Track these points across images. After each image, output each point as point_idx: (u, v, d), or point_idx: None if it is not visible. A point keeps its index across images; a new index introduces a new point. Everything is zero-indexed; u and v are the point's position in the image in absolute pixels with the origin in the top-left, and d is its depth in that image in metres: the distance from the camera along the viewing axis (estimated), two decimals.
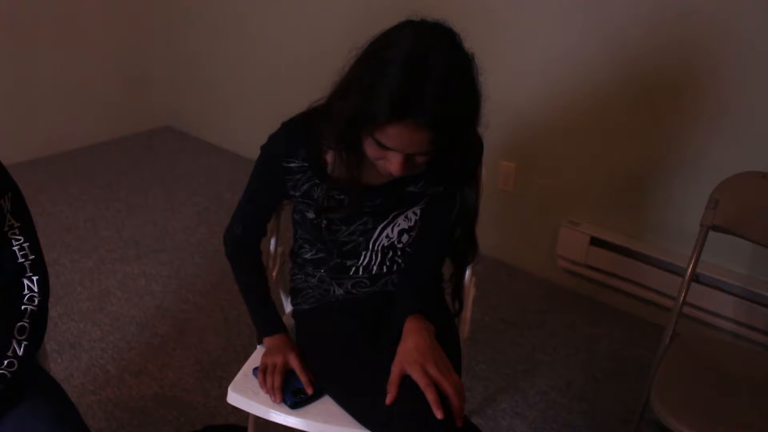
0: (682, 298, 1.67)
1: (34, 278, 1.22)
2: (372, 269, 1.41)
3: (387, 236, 1.39)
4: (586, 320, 2.47)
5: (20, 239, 1.21)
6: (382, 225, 1.38)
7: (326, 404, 1.32)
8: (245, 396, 1.34)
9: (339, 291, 1.43)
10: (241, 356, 2.13)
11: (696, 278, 2.14)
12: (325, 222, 1.36)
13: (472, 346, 2.27)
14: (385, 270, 1.41)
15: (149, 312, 2.40)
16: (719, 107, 2.15)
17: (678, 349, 1.62)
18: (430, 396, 1.15)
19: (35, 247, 1.23)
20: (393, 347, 1.25)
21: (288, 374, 1.35)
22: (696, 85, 2.19)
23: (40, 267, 1.23)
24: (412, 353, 1.20)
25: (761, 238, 1.64)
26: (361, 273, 1.41)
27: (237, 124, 3.68)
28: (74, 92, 3.60)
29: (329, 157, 1.32)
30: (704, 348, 1.69)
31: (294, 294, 1.52)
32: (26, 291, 1.21)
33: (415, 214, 1.39)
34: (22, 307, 1.20)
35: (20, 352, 1.17)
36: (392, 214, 1.38)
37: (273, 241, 1.56)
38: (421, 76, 1.09)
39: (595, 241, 2.47)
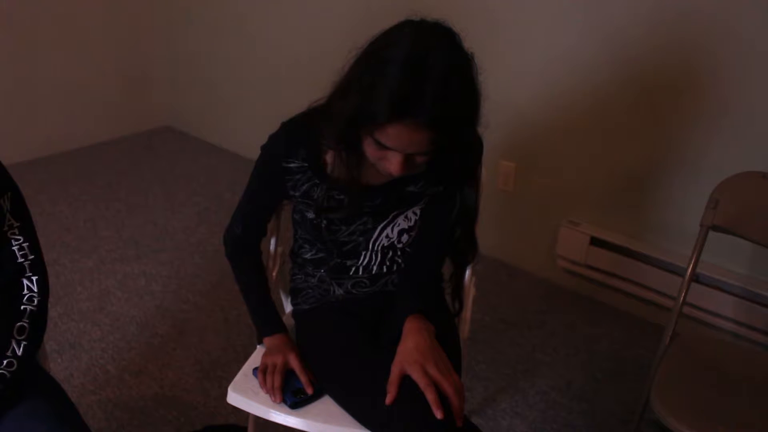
0: (682, 298, 1.67)
1: (34, 278, 1.22)
2: (372, 269, 1.41)
3: (387, 236, 1.39)
4: (586, 320, 2.47)
5: (20, 239, 1.21)
6: (381, 225, 1.38)
7: (326, 404, 1.32)
8: (245, 396, 1.34)
9: (339, 291, 1.43)
10: (241, 356, 2.13)
11: (696, 278, 2.14)
12: (324, 222, 1.36)
13: (472, 346, 2.27)
14: (385, 270, 1.41)
15: (149, 312, 2.40)
16: (719, 107, 2.15)
17: (678, 349, 1.62)
18: (430, 396, 1.15)
19: (35, 247, 1.23)
20: (393, 347, 1.25)
21: (288, 374, 1.35)
22: (696, 85, 2.19)
23: (39, 267, 1.23)
24: (412, 353, 1.20)
25: (761, 238, 1.64)
26: (361, 273, 1.41)
27: (237, 124, 3.68)
28: (74, 92, 3.60)
29: (329, 157, 1.32)
30: (704, 348, 1.69)
31: (294, 294, 1.52)
32: (26, 291, 1.21)
33: (415, 214, 1.39)
34: (22, 307, 1.20)
35: (20, 352, 1.17)
36: (392, 214, 1.38)
37: (273, 241, 1.56)
38: (421, 76, 1.09)
39: (595, 241, 2.47)
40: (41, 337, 1.24)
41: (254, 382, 1.37)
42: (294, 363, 1.35)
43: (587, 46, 2.36)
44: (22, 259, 1.21)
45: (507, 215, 2.73)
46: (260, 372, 1.36)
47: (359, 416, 1.26)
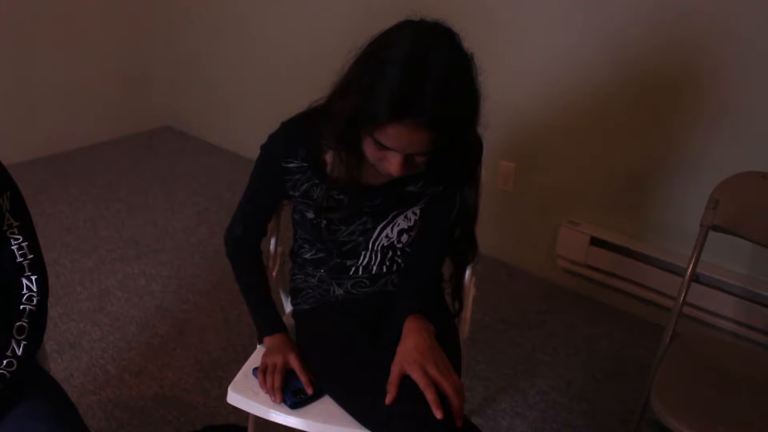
0: (682, 298, 1.67)
1: (33, 278, 1.22)
2: (372, 269, 1.41)
3: (387, 236, 1.39)
4: (586, 320, 2.47)
5: (19, 238, 1.21)
6: (381, 225, 1.38)
7: (326, 404, 1.32)
8: (245, 396, 1.34)
9: (339, 291, 1.43)
10: (241, 356, 2.13)
11: (696, 278, 2.14)
12: (324, 222, 1.36)
13: (472, 346, 2.27)
14: (384, 270, 1.41)
15: (149, 312, 2.40)
16: (719, 107, 2.15)
17: (678, 349, 1.62)
18: (430, 396, 1.15)
19: (34, 247, 1.23)
20: (393, 347, 1.25)
21: (288, 374, 1.35)
22: (696, 85, 2.19)
23: (38, 266, 1.23)
24: (411, 353, 1.20)
25: (761, 238, 1.64)
26: (360, 273, 1.41)
27: (237, 124, 3.68)
28: (74, 92, 3.60)
29: (329, 157, 1.32)
30: (704, 348, 1.69)
31: (294, 294, 1.52)
32: (25, 291, 1.21)
33: (415, 214, 1.39)
34: (21, 306, 1.20)
35: (19, 352, 1.17)
36: (392, 214, 1.38)
37: (273, 241, 1.56)
38: (421, 76, 1.09)
39: (595, 241, 2.47)
40: (41, 336, 1.24)
41: (254, 382, 1.37)
42: (294, 363, 1.35)
43: (587, 46, 2.36)
44: (22, 259, 1.21)
45: (507, 215, 2.73)
46: (260, 372, 1.36)
47: (359, 416, 1.26)
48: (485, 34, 2.36)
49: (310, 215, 1.37)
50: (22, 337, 1.18)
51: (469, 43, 1.17)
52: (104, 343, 2.23)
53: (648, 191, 2.37)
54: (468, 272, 1.53)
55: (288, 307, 1.61)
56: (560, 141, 2.53)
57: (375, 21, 1.22)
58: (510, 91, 2.49)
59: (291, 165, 1.32)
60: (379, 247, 1.39)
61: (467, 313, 1.54)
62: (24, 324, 1.19)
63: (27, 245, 1.22)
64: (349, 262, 1.41)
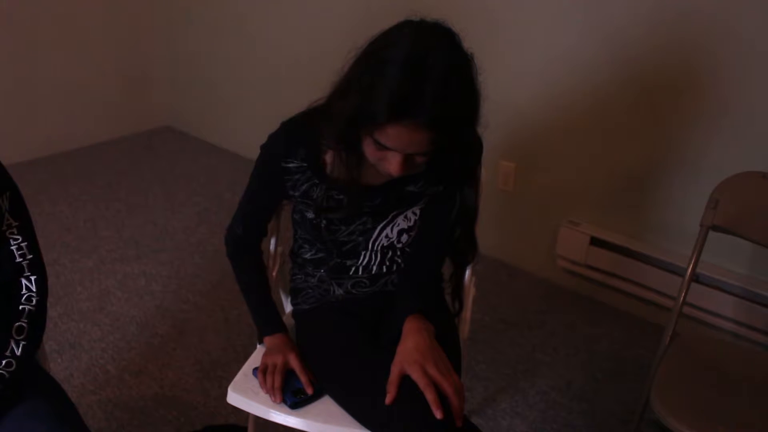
0: (682, 298, 1.67)
1: (32, 278, 1.22)
2: (372, 269, 1.41)
3: (386, 236, 1.39)
4: (586, 320, 2.47)
5: (18, 239, 1.21)
6: (381, 225, 1.38)
7: (326, 404, 1.32)
8: (245, 396, 1.34)
9: (339, 291, 1.43)
10: (241, 356, 2.13)
11: (696, 278, 2.14)
12: (324, 222, 1.36)
13: (472, 346, 2.27)
14: (384, 270, 1.41)
15: (149, 312, 2.40)
16: (719, 107, 2.15)
17: (678, 349, 1.62)
18: (430, 396, 1.15)
19: (33, 247, 1.23)
20: (393, 347, 1.25)
21: (288, 374, 1.34)
22: (696, 85, 2.19)
23: (38, 266, 1.23)
24: (411, 353, 1.20)
25: (761, 238, 1.63)
26: (360, 273, 1.41)
27: (237, 124, 3.68)
28: (74, 92, 3.60)
29: (328, 157, 1.32)
30: (704, 348, 1.69)
31: (294, 294, 1.52)
32: (24, 291, 1.21)
33: (415, 214, 1.39)
34: (20, 307, 1.20)
35: (18, 352, 1.17)
36: (392, 214, 1.38)
37: (273, 241, 1.56)
38: (421, 76, 1.09)
39: (595, 241, 2.47)
40: (40, 337, 1.24)
41: (254, 382, 1.37)
42: (294, 363, 1.35)
43: (587, 46, 2.36)
44: (21, 259, 1.21)
45: (507, 215, 2.73)
46: (260, 372, 1.36)
47: (359, 416, 1.26)
48: (485, 34, 2.36)
49: (310, 215, 1.37)
50: (22, 337, 1.18)
51: (469, 43, 1.17)
52: (104, 343, 2.23)
53: (648, 191, 2.37)
54: (468, 272, 1.53)
55: (288, 307, 1.61)
56: (560, 141, 2.53)
57: (375, 21, 1.22)
58: (510, 91, 2.48)
59: (291, 165, 1.32)
60: (379, 247, 1.39)
61: (467, 313, 1.54)
62: (23, 324, 1.19)
63: (26, 245, 1.21)
64: (349, 262, 1.41)
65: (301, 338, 1.45)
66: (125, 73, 3.81)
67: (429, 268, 1.43)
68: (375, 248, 1.39)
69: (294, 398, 1.30)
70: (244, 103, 3.59)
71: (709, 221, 1.65)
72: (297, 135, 1.33)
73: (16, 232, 1.21)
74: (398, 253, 1.41)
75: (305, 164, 1.32)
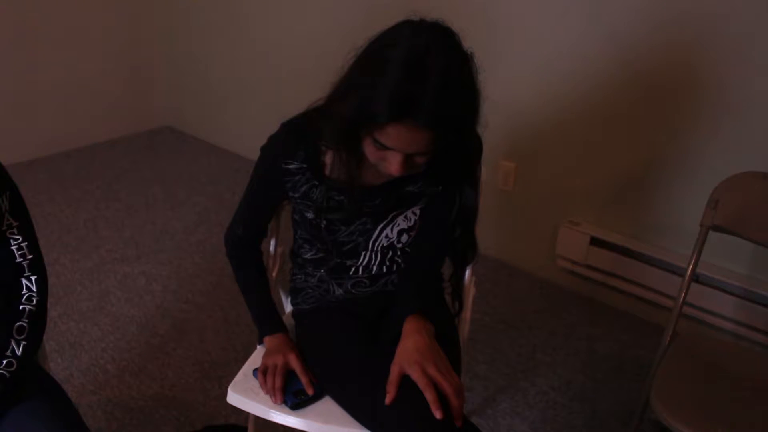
0: (682, 298, 1.67)
1: (33, 278, 1.22)
2: (372, 269, 1.41)
3: (386, 236, 1.39)
4: (586, 320, 2.47)
5: (18, 239, 1.21)
6: (381, 225, 1.38)
7: (326, 404, 1.32)
8: (245, 396, 1.34)
9: (339, 291, 1.43)
10: (241, 356, 2.13)
11: (696, 278, 2.14)
12: (324, 222, 1.36)
13: (472, 346, 2.27)
14: (384, 270, 1.41)
15: (149, 312, 2.40)
16: (719, 107, 2.15)
17: (678, 349, 1.62)
18: (429, 396, 1.15)
19: (34, 247, 1.23)
20: (393, 347, 1.25)
21: (288, 375, 1.34)
22: (696, 85, 2.19)
23: (38, 266, 1.23)
24: (411, 353, 1.20)
25: (761, 238, 1.64)
26: (360, 273, 1.41)
27: (237, 124, 3.68)
28: (74, 92, 3.60)
29: (328, 158, 1.32)
30: (704, 348, 1.69)
31: (294, 294, 1.52)
32: (25, 291, 1.21)
33: (415, 214, 1.39)
34: (21, 306, 1.20)
35: (19, 352, 1.17)
36: (391, 215, 1.38)
37: (273, 242, 1.56)
38: (421, 75, 1.09)
39: (595, 241, 2.47)
40: (41, 337, 1.24)
41: (254, 382, 1.36)
42: (295, 364, 1.34)
43: (587, 45, 2.36)
44: (21, 259, 1.21)
45: (507, 215, 2.73)
46: (260, 373, 1.36)
47: (359, 416, 1.26)
48: (485, 34, 2.36)
49: (310, 215, 1.37)
50: (22, 337, 1.18)
51: (469, 43, 1.17)
52: (104, 343, 2.23)
53: (648, 191, 2.37)
54: (468, 272, 1.53)
55: (288, 307, 1.61)
56: (560, 141, 2.53)
57: (375, 21, 1.22)
58: (510, 91, 2.48)
59: (291, 166, 1.32)
60: (379, 247, 1.39)
61: (467, 313, 1.54)
62: (24, 324, 1.19)
63: (27, 245, 1.22)
64: (349, 262, 1.41)
65: (300, 338, 1.45)
66: (125, 73, 3.81)
67: (429, 268, 1.43)
68: (375, 248, 1.39)
69: (295, 399, 1.30)
70: (244, 103, 3.59)
71: (709, 221, 1.65)
72: (297, 136, 1.33)
73: (16, 232, 1.21)
74: (398, 253, 1.41)
75: (305, 165, 1.32)
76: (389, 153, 1.18)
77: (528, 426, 1.98)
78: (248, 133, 2.57)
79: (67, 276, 2.57)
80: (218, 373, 2.11)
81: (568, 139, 2.50)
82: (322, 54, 2.10)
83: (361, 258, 1.40)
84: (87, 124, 3.71)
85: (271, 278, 1.55)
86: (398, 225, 1.39)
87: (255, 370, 1.38)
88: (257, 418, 1.37)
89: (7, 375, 1.15)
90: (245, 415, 1.43)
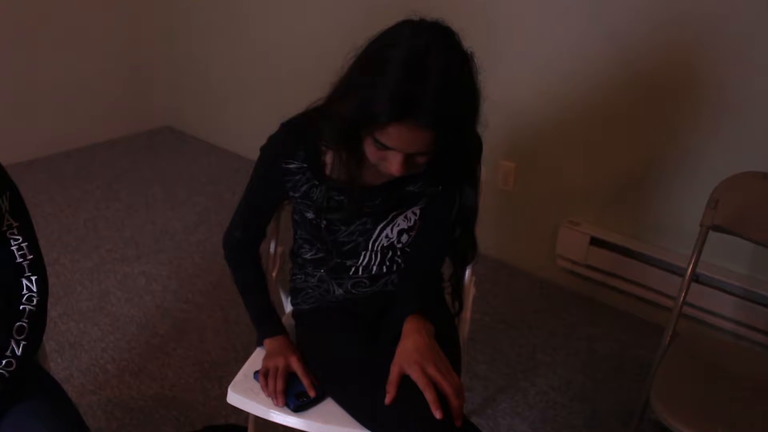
0: (682, 298, 1.67)
1: (33, 278, 1.22)
2: (372, 269, 1.41)
3: (386, 236, 1.39)
4: (586, 320, 2.47)
5: (18, 239, 1.21)
6: (381, 225, 1.38)
7: (326, 404, 1.32)
8: (245, 396, 1.34)
9: (339, 291, 1.43)
10: (241, 356, 2.13)
11: (696, 278, 2.14)
12: (324, 222, 1.36)
13: (472, 346, 2.27)
14: (384, 270, 1.41)
15: (149, 312, 2.40)
16: (719, 107, 2.15)
17: (678, 349, 1.62)
18: (429, 396, 1.15)
19: (34, 247, 1.23)
20: (393, 347, 1.25)
21: (289, 377, 1.34)
22: (696, 85, 2.19)
23: (38, 267, 1.23)
24: (411, 353, 1.20)
25: (761, 238, 1.64)
26: (360, 273, 1.41)
27: (237, 124, 3.68)
28: (74, 92, 3.60)
29: (328, 157, 1.32)
30: (704, 348, 1.69)
31: (294, 294, 1.52)
32: (25, 291, 1.21)
33: (415, 214, 1.39)
34: (21, 306, 1.20)
35: (19, 352, 1.17)
36: (392, 215, 1.37)
37: (273, 242, 1.56)
38: (421, 75, 1.09)
39: (595, 241, 2.47)
40: (41, 337, 1.24)
41: (254, 383, 1.36)
42: (296, 366, 1.34)
43: (587, 45, 2.36)
44: (21, 259, 1.21)
45: (507, 215, 2.73)
46: (261, 375, 1.35)
47: (359, 416, 1.26)
48: (485, 34, 2.36)
49: (310, 215, 1.36)
50: (22, 337, 1.18)
51: (469, 43, 1.17)
52: (104, 343, 2.23)
53: (648, 191, 2.37)
54: (468, 272, 1.53)
55: (288, 307, 1.61)
56: (560, 141, 2.53)
57: (375, 21, 1.22)
58: (510, 91, 2.48)
59: (291, 166, 1.32)
60: (379, 248, 1.39)
61: (467, 313, 1.54)
62: (24, 324, 1.19)
63: (27, 246, 1.22)
64: (349, 262, 1.41)
65: (300, 338, 1.45)
66: (125, 73, 3.81)
67: (429, 268, 1.43)
68: (375, 248, 1.39)
69: (297, 401, 1.30)
70: (244, 103, 3.59)
71: (709, 221, 1.65)
72: (297, 136, 1.33)
73: (16, 233, 1.21)
74: (398, 253, 1.41)
75: (305, 165, 1.32)
76: (390, 153, 1.18)
77: (528, 426, 1.98)
78: (248, 133, 2.56)
79: (67, 276, 2.57)
80: (218, 373, 2.11)
81: (568, 139, 2.50)
82: (322, 54, 2.10)
83: (361, 258, 1.40)
84: (87, 124, 3.71)
85: (271, 278, 1.55)
86: (398, 225, 1.39)
87: (255, 373, 1.38)
88: (257, 418, 1.37)
89: (7, 375, 1.15)
90: (245, 415, 1.43)
